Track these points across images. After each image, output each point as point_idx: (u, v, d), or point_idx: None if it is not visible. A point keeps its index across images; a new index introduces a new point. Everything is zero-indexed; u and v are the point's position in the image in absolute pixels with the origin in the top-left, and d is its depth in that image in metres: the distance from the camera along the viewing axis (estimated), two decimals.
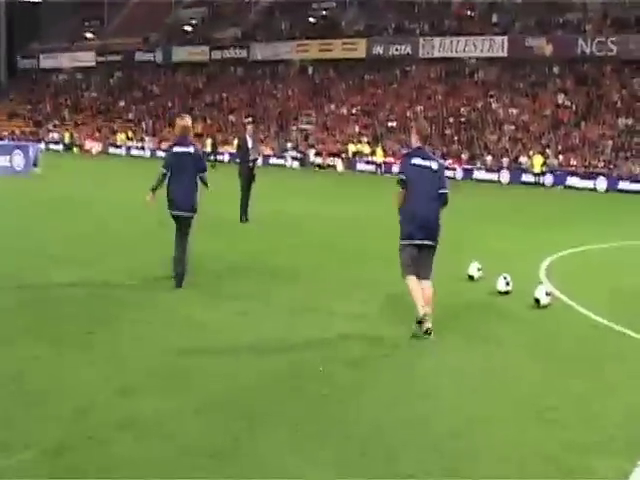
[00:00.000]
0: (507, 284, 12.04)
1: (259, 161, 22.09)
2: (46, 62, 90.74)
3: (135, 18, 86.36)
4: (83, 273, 12.32)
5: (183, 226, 11.64)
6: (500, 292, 12.02)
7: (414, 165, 9.54)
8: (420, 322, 9.18)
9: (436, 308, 9.44)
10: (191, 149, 11.65)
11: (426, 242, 9.46)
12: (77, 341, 8.37)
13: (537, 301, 11.17)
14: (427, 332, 9.12)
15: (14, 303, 10.13)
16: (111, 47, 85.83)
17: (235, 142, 55.62)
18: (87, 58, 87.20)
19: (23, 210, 21.50)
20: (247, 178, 20.02)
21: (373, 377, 7.65)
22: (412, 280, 9.43)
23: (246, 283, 12.28)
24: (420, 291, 9.34)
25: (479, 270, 13.13)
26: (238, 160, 20.93)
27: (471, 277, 13.10)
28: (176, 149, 11.64)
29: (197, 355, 8.10)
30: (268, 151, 60.80)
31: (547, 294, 11.28)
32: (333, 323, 9.78)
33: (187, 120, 12.02)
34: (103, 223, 19.07)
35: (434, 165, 9.54)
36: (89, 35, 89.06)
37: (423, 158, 9.56)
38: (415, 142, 9.78)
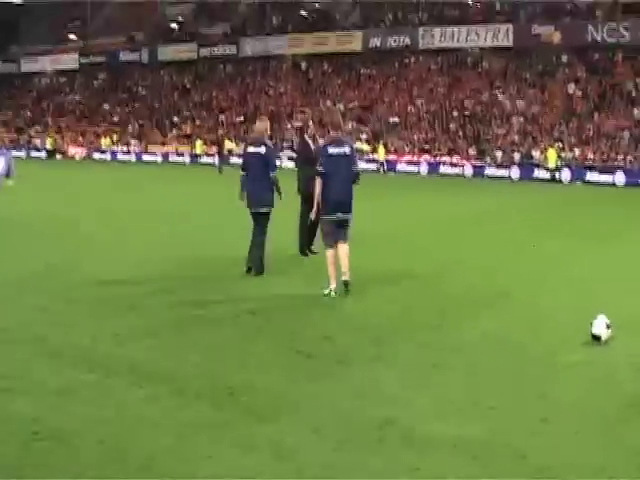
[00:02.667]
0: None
1: None
2: (27, 66, 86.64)
3: (119, 17, 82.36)
4: None
5: (260, 222, 12.63)
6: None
7: (330, 155, 11.09)
8: (329, 293, 10.93)
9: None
10: (262, 149, 12.57)
11: (342, 217, 11.18)
12: None
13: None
14: (346, 285, 11.07)
15: None
16: (94, 48, 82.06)
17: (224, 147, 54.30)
18: (69, 60, 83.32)
19: None
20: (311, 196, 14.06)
21: None
22: (331, 254, 11.16)
23: None
24: (334, 268, 11.06)
25: (608, 327, 8.67)
26: (297, 170, 14.96)
27: (597, 338, 8.63)
28: (249, 149, 12.73)
29: None
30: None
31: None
32: None
33: (265, 122, 13.00)
34: (63, 258, 14.19)
35: (347, 150, 11.22)
36: (71, 36, 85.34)
37: (337, 145, 11.14)
38: (331, 133, 11.28)
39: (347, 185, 11.21)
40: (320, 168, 11.12)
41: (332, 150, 11.09)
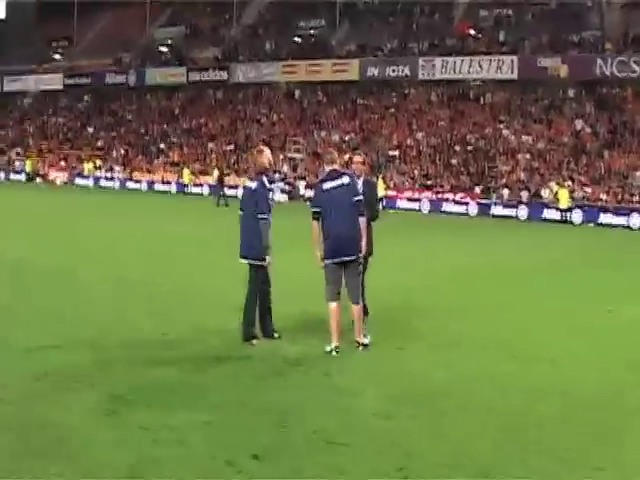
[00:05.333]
0: None
1: None
2: (10, 85, 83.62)
3: (106, 38, 79.73)
4: None
5: (251, 275, 10.35)
6: None
7: (326, 191, 9.81)
8: (330, 351, 9.57)
9: None
10: (254, 184, 10.44)
11: (345, 258, 9.68)
12: None
13: None
14: (358, 345, 9.85)
15: None
16: (80, 69, 79.31)
17: (215, 173, 50.70)
18: (54, 81, 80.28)
19: None
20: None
21: None
22: (332, 308, 9.69)
23: None
24: (338, 323, 9.64)
25: None
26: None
27: None
28: (246, 183, 10.86)
29: None
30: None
31: None
32: None
33: (264, 154, 10.60)
34: None
35: (345, 180, 9.85)
36: (57, 56, 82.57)
37: (333, 179, 9.85)
38: (326, 169, 10.10)
39: (350, 219, 9.76)
40: (314, 208, 9.88)
41: (326, 185, 9.88)
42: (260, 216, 10.13)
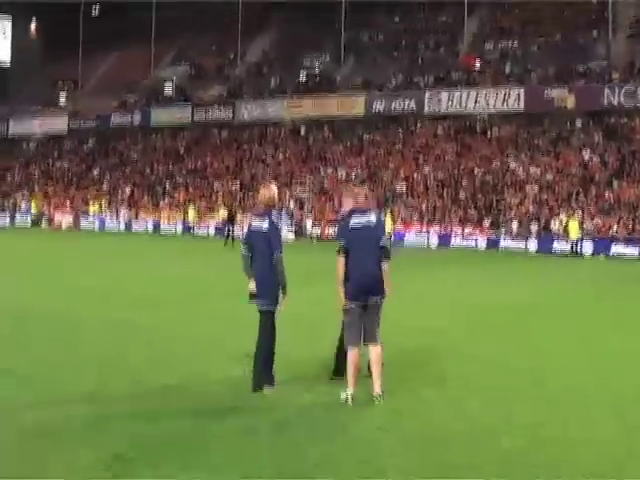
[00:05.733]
0: None
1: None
2: (16, 128, 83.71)
3: (111, 79, 79.91)
4: None
5: (262, 321, 9.67)
6: None
7: (353, 228, 9.23)
8: (346, 398, 8.93)
9: None
10: (265, 224, 9.71)
11: (371, 301, 9.13)
12: None
13: None
14: (377, 398, 9.02)
15: None
16: (85, 111, 79.12)
17: (222, 212, 50.12)
18: (59, 123, 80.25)
19: None
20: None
21: None
22: (354, 353, 9.11)
23: None
24: (355, 370, 9.06)
25: None
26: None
27: None
28: (253, 223, 9.96)
29: None
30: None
31: None
32: None
33: (270, 190, 10.01)
34: None
35: (372, 218, 9.30)
36: (61, 99, 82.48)
37: (360, 215, 9.28)
38: (348, 205, 9.60)
39: (375, 258, 9.16)
40: (342, 241, 9.28)
41: (354, 221, 9.26)
42: (276, 254, 9.54)
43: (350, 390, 8.98)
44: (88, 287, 20.51)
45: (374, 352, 9.17)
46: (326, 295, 10.32)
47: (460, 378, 10.67)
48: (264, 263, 9.58)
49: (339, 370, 9.90)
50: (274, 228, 9.70)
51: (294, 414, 8.59)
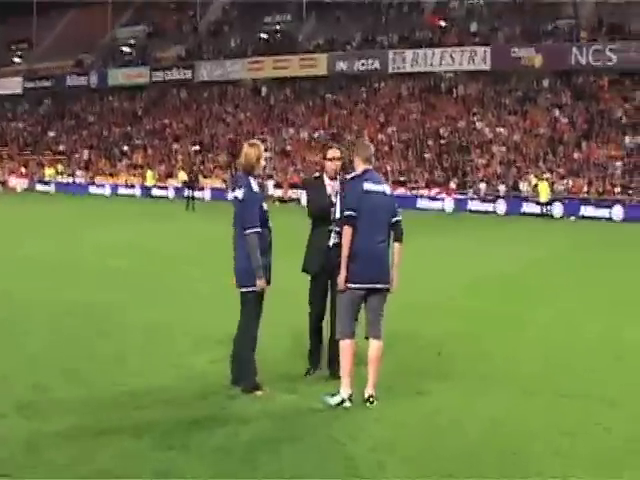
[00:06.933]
0: None
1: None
2: None
3: (67, 39, 77.56)
4: None
5: (241, 305, 7.99)
6: None
7: (367, 192, 7.60)
8: (342, 401, 7.44)
9: None
10: (240, 193, 7.93)
11: (378, 285, 7.61)
12: None
13: None
14: (370, 400, 7.53)
15: None
16: (40, 71, 76.92)
17: (181, 175, 48.97)
18: (13, 85, 77.96)
19: None
20: (327, 271, 8.24)
21: None
22: (348, 345, 7.58)
23: None
24: (353, 366, 7.55)
25: None
26: (311, 231, 8.71)
27: None
28: (230, 192, 8.63)
29: None
30: (219, 184, 53.06)
31: None
32: None
33: (254, 149, 8.06)
34: None
35: (387, 189, 7.84)
36: (16, 59, 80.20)
37: (375, 182, 7.72)
38: (360, 165, 7.77)
39: (386, 237, 7.75)
40: (350, 211, 7.59)
41: (368, 185, 7.64)
42: (248, 230, 7.79)
43: (347, 390, 7.56)
44: (36, 258, 18.79)
45: (375, 348, 7.74)
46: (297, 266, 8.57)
47: (466, 369, 9.15)
48: (238, 236, 7.94)
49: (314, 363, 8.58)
50: (250, 197, 7.92)
51: (272, 427, 6.94)
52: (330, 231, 8.16)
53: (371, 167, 7.84)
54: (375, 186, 7.69)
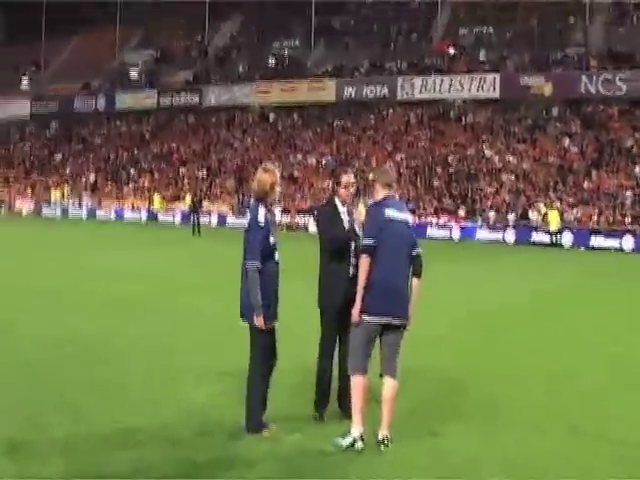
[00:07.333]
0: None
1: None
2: None
3: (75, 63, 77.53)
4: None
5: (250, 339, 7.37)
6: None
7: (389, 220, 7.15)
8: (353, 442, 6.92)
9: None
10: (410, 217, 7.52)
11: (395, 321, 7.11)
12: None
13: None
14: (384, 442, 6.99)
15: None
16: (48, 94, 76.76)
17: (188, 199, 48.66)
18: (21, 107, 77.83)
19: None
20: (344, 304, 7.58)
21: None
22: (360, 382, 7.10)
23: None
24: (364, 403, 7.12)
25: None
26: (320, 264, 8.03)
27: None
28: (390, 212, 7.27)
29: None
30: (225, 209, 52.89)
31: None
32: None
33: (268, 174, 7.45)
34: None
35: (409, 218, 7.44)
36: (24, 82, 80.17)
37: (397, 209, 7.29)
38: (380, 191, 7.30)
39: (407, 269, 7.28)
40: (370, 239, 7.15)
41: (391, 213, 7.21)
42: (247, 264, 7.26)
43: (359, 429, 7.06)
44: (36, 286, 18.27)
45: (391, 387, 7.23)
46: (307, 297, 8.05)
47: (480, 404, 8.80)
48: (244, 266, 7.37)
49: (322, 403, 7.99)
50: (254, 229, 7.36)
51: (279, 470, 6.45)
52: (349, 265, 7.67)
53: (393, 193, 7.42)
54: (398, 214, 7.27)
